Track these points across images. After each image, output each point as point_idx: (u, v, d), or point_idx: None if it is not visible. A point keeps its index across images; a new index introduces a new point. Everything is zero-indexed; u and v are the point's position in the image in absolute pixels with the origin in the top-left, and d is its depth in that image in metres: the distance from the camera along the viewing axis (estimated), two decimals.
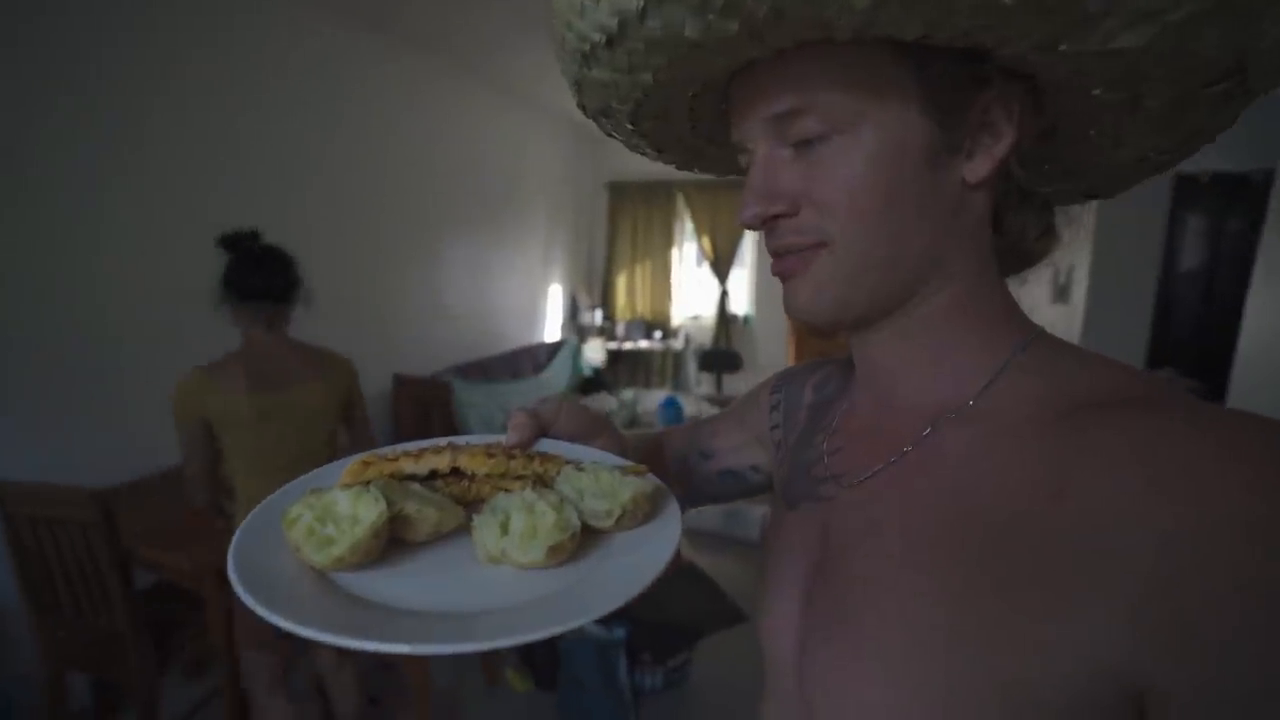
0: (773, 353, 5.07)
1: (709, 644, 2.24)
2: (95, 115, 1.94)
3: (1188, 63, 0.30)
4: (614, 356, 5.37)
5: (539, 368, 4.43)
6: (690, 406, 4.46)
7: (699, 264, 5.47)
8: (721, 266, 5.22)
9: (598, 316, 5.39)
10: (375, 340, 3.18)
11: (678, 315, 5.56)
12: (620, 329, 5.44)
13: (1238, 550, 0.24)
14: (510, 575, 0.35)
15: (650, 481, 0.40)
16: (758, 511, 3.19)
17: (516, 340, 4.55)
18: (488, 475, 0.42)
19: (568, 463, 0.43)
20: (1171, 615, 0.25)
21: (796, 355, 5.23)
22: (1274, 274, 1.49)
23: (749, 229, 0.38)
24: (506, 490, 0.41)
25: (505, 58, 3.50)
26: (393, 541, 0.37)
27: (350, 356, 1.64)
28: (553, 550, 0.35)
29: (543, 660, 2.08)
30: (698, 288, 5.57)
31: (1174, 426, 0.28)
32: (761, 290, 5.25)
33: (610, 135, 0.46)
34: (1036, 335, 0.38)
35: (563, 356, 4.64)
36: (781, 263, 0.38)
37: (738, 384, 5.04)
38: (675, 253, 5.42)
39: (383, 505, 0.35)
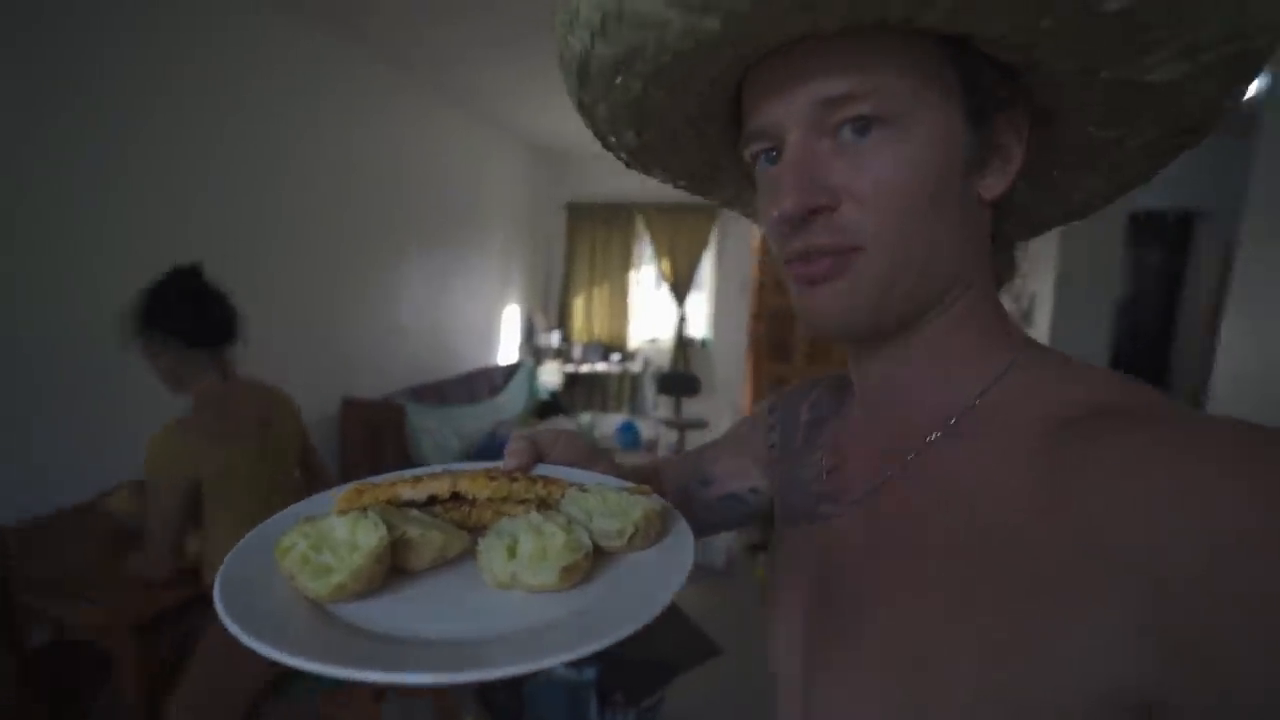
0: (730, 376, 5.07)
1: (682, 680, 2.13)
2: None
3: (1182, 107, 0.32)
4: (571, 379, 5.25)
5: (495, 390, 4.26)
6: (648, 430, 4.40)
7: (657, 286, 5.44)
8: (680, 289, 5.20)
9: (555, 339, 5.27)
10: (328, 360, 2.97)
11: (635, 338, 5.50)
12: (577, 351, 5.34)
13: (1243, 561, 0.24)
14: (521, 600, 0.33)
15: (658, 500, 0.39)
16: (722, 541, 3.12)
17: (473, 362, 4.37)
18: (489, 499, 0.41)
19: (571, 485, 0.41)
20: (1178, 627, 0.25)
21: (754, 379, 5.25)
22: (1244, 302, 1.58)
23: (785, 224, 0.35)
24: (509, 515, 0.39)
25: (466, 73, 3.41)
26: (393, 569, 0.35)
27: (303, 377, 1.50)
28: (566, 571, 0.33)
29: (505, 704, 1.92)
30: (656, 310, 5.55)
31: (1175, 437, 0.28)
32: (720, 313, 5.26)
33: (622, 159, 0.46)
34: (1029, 346, 0.38)
35: (519, 379, 4.49)
36: (810, 266, 0.35)
37: (696, 407, 5.00)
38: (633, 275, 5.38)
39: (383, 530, 0.34)
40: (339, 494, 0.41)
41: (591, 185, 5.39)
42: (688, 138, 0.43)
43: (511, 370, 4.57)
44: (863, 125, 0.33)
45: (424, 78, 3.48)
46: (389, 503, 0.39)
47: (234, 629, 0.28)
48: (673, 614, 2.49)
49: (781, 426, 0.55)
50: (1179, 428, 0.28)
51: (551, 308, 5.63)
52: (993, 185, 0.36)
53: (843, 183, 0.34)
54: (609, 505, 0.37)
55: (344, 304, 3.10)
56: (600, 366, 5.20)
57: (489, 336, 4.66)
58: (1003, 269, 0.42)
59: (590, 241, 5.42)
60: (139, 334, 1.32)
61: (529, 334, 5.28)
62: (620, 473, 0.51)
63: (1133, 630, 0.26)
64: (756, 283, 5.15)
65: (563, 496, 0.40)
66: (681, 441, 4.46)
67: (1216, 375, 1.69)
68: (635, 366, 5.25)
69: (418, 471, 0.43)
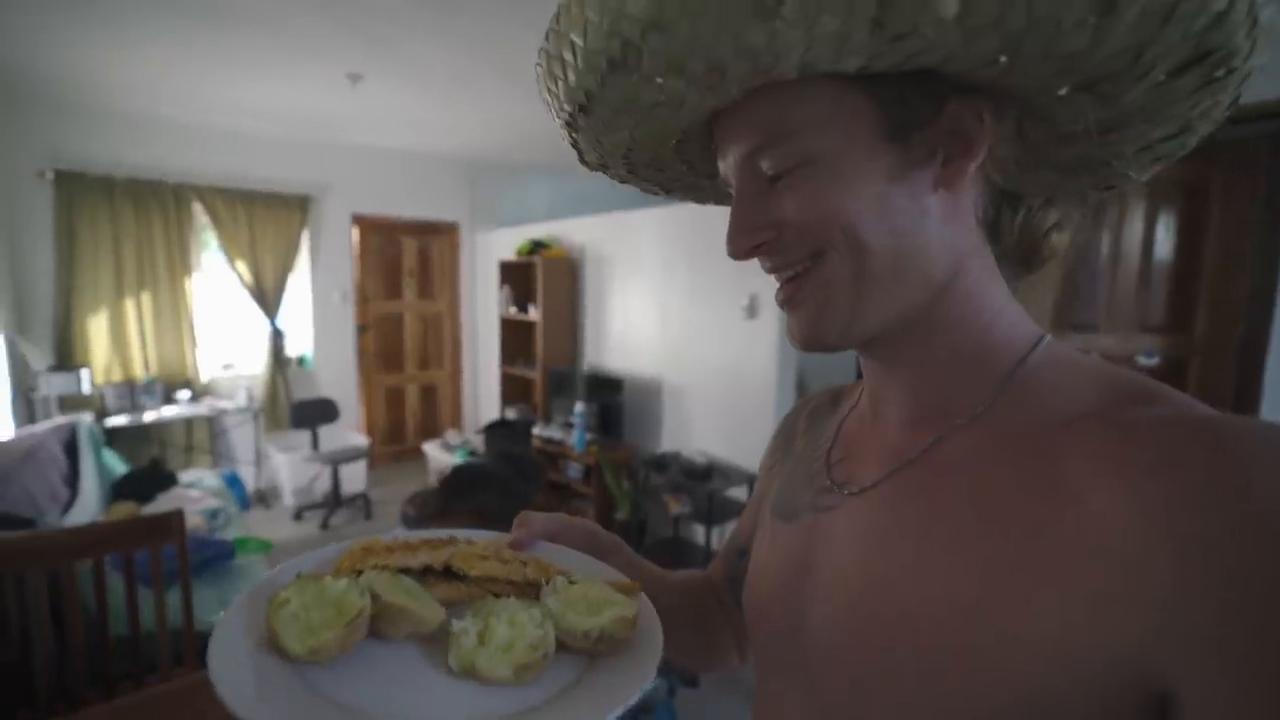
0: (341, 397, 4.42)
1: None
2: None
3: (1146, 57, 0.30)
4: (110, 435, 3.48)
5: (57, 499, 2.57)
6: (252, 481, 3.53)
7: (237, 295, 4.20)
8: (268, 299, 4.22)
9: (83, 379, 3.37)
10: None
11: (208, 367, 4.10)
12: (111, 396, 3.59)
13: (1260, 556, 0.25)
14: (471, 690, 0.35)
15: (637, 604, 0.40)
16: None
17: None
18: (478, 578, 0.42)
19: (559, 572, 0.43)
20: (1194, 621, 0.26)
21: (368, 395, 4.86)
22: None
23: (737, 260, 0.39)
24: (495, 595, 0.41)
25: None
26: (371, 632, 0.37)
27: None
28: (521, 669, 0.35)
29: None
30: (236, 328, 4.27)
31: (1189, 432, 0.29)
32: (320, 328, 4.54)
33: (623, 181, 0.48)
34: (1040, 340, 0.38)
35: (88, 458, 2.82)
36: (782, 291, 0.39)
37: (337, 435, 4.27)
38: (189, 282, 3.96)
39: (366, 600, 0.36)
40: (343, 550, 0.44)
41: (103, 147, 3.61)
42: (674, 164, 0.45)
43: (69, 443, 2.80)
44: (777, 170, 0.36)
45: None
46: (385, 568, 0.41)
47: (212, 677, 0.32)
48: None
49: (781, 442, 0.56)
50: (1196, 423, 0.29)
51: (42, 333, 3.50)
52: (953, 175, 0.35)
53: (780, 217, 0.37)
54: (588, 600, 0.39)
55: None
56: (167, 411, 3.69)
57: None
58: (1024, 254, 0.40)
59: (111, 233, 3.65)
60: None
61: (18, 377, 3.21)
62: (639, 572, 0.53)
63: (1152, 621, 0.27)
64: (360, 292, 4.73)
65: (547, 583, 0.42)
66: (336, 479, 3.86)
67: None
68: (227, 403, 3.97)
69: (425, 534, 0.46)
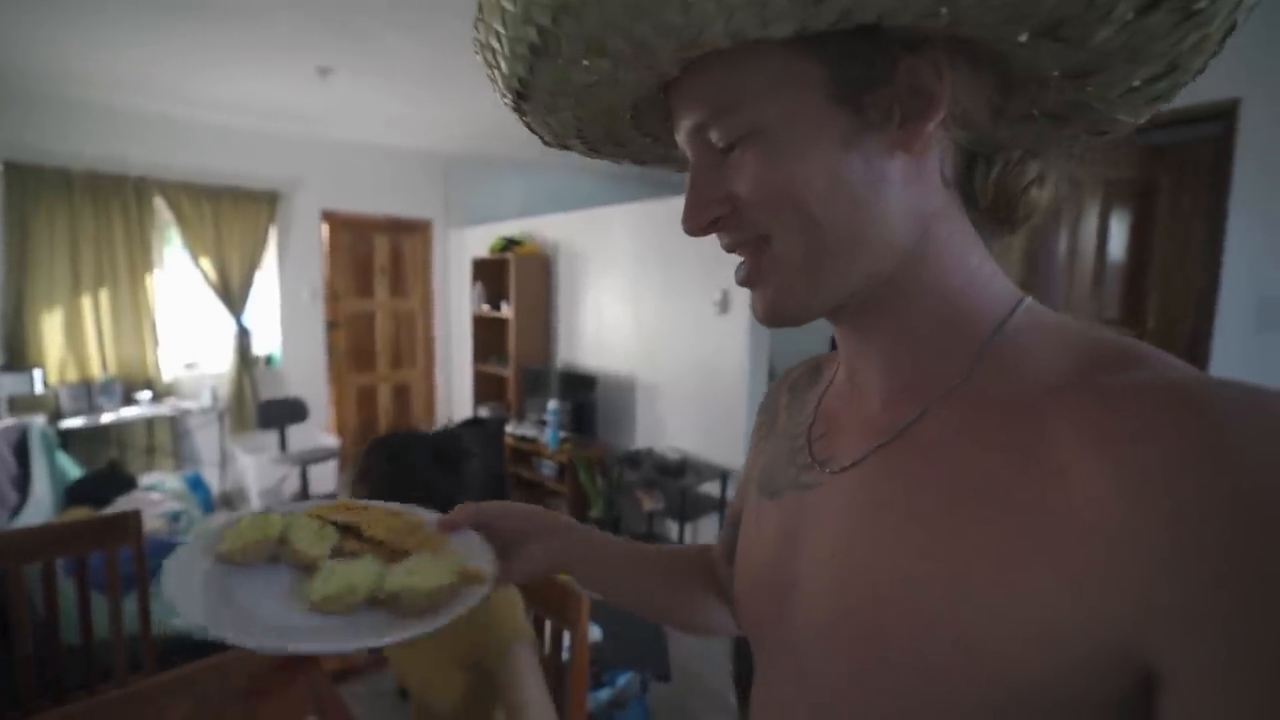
0: (310, 396, 4.33)
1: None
2: None
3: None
4: (65, 438, 3.37)
5: (5, 503, 2.49)
6: (217, 483, 3.46)
7: (201, 293, 4.09)
8: (234, 297, 4.13)
9: (35, 379, 3.26)
10: None
11: (169, 366, 4.00)
12: (66, 396, 3.48)
13: (1249, 523, 0.24)
14: (303, 609, 0.45)
15: (460, 587, 0.46)
16: None
17: None
18: (369, 539, 0.52)
19: (450, 553, 0.49)
20: (1183, 594, 0.25)
21: (339, 395, 4.78)
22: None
23: (693, 236, 0.38)
24: (379, 555, 0.50)
25: None
26: (282, 558, 0.50)
27: None
28: (326, 600, 0.44)
29: None
30: (198, 327, 4.16)
31: (1172, 398, 0.27)
32: (289, 326, 4.46)
33: (594, 158, 0.48)
34: (1020, 303, 0.37)
35: (40, 461, 2.73)
36: (741, 269, 0.39)
37: (305, 435, 4.20)
38: (151, 279, 3.85)
39: (275, 533, 0.50)
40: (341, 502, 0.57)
41: (60, 139, 3.49)
42: (635, 138, 0.45)
43: (19, 446, 2.71)
44: (726, 142, 0.35)
45: None
46: (321, 518, 0.53)
47: (163, 578, 0.44)
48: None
49: (765, 418, 0.55)
50: (1183, 387, 0.28)
51: None
52: (910, 136, 0.33)
53: (733, 190, 0.36)
54: (421, 572, 0.46)
55: None
56: (127, 412, 3.58)
57: None
58: (1002, 212, 0.38)
59: (68, 227, 3.53)
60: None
61: None
62: (583, 549, 0.56)
63: (1139, 595, 0.26)
64: (329, 288, 4.65)
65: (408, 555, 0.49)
66: (305, 480, 3.80)
67: None
68: (191, 403, 3.87)
69: (382, 505, 0.57)
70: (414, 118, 3.90)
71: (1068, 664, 0.28)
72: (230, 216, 4.05)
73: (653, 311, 3.48)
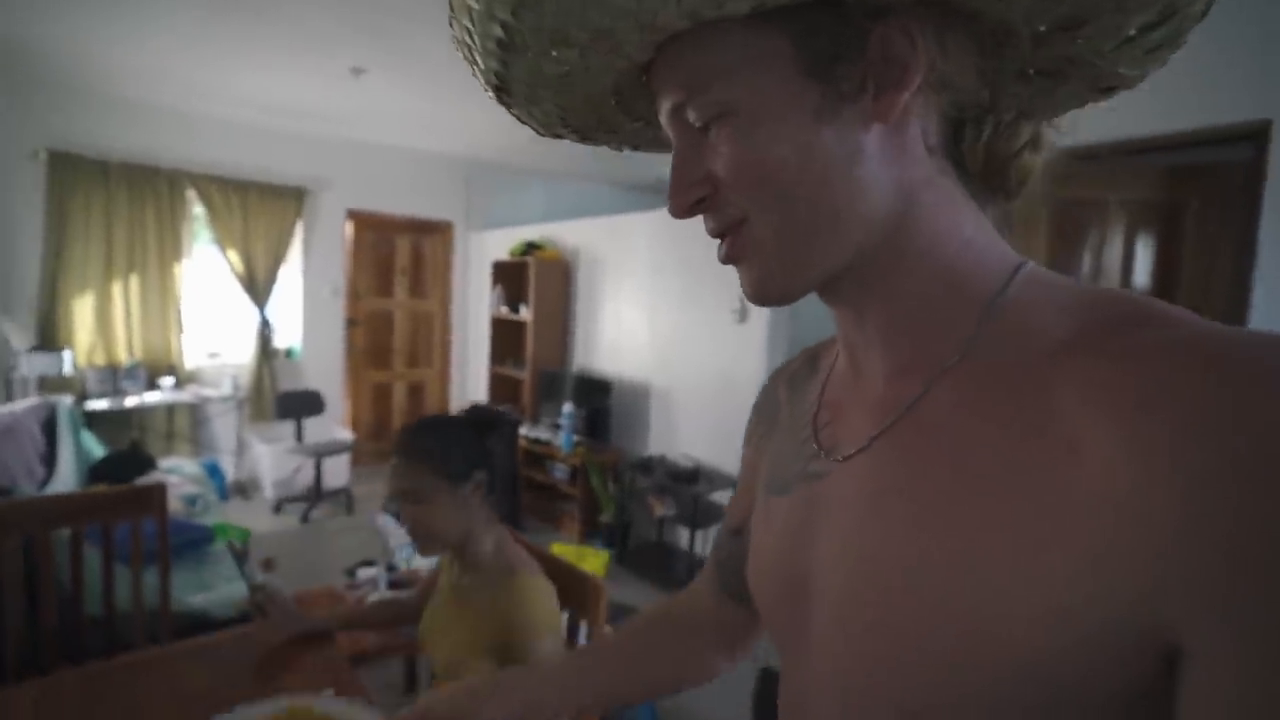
0: (327, 390, 4.39)
1: None
2: None
3: None
4: (90, 419, 3.43)
5: (33, 476, 2.54)
6: (232, 471, 3.50)
7: (225, 284, 4.17)
8: (259, 289, 4.20)
9: (65, 361, 3.33)
10: None
11: (193, 355, 4.07)
12: (92, 379, 3.55)
13: (1269, 488, 0.23)
14: None
15: None
16: None
17: None
18: None
19: None
20: (1200, 565, 0.24)
21: (354, 391, 4.83)
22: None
23: (678, 218, 0.39)
24: None
25: None
26: None
27: None
28: None
29: None
30: (223, 317, 4.24)
31: (1184, 357, 0.26)
32: (310, 320, 4.53)
33: (590, 145, 0.47)
34: (1020, 267, 0.35)
35: (66, 439, 2.79)
36: (723, 249, 0.38)
37: (321, 428, 4.24)
38: (179, 268, 3.94)
39: None
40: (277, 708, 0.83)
41: (100, 130, 3.60)
42: (626, 123, 0.44)
43: (49, 424, 2.77)
44: (701, 122, 0.35)
45: None
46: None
47: None
48: None
49: (764, 414, 0.55)
50: (1194, 347, 0.27)
51: (27, 312, 3.46)
52: (886, 106, 0.32)
53: (713, 171, 0.36)
54: None
55: None
56: (149, 397, 3.65)
57: None
58: (994, 177, 0.37)
59: (104, 216, 3.63)
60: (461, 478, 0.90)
61: None
62: (545, 689, 0.58)
63: (1157, 570, 0.25)
64: (351, 285, 4.72)
65: None
66: (318, 471, 3.83)
67: None
68: (211, 390, 3.93)
69: (326, 702, 0.83)
70: (441, 121, 3.97)
71: (1081, 643, 0.27)
72: (258, 210, 4.14)
73: (670, 319, 3.50)
